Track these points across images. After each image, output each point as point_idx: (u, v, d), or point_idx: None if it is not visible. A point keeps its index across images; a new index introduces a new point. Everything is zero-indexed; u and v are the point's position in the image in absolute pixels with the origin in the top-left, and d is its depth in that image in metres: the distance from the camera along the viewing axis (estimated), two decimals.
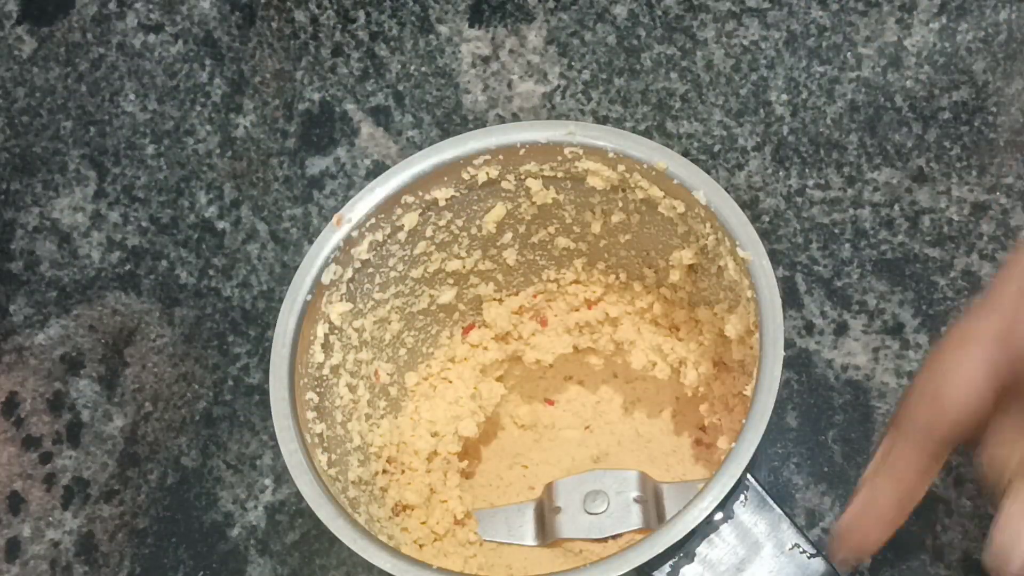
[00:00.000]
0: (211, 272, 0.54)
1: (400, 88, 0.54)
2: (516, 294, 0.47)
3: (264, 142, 0.55)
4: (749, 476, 0.34)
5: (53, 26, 0.56)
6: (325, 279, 0.39)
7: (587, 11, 0.54)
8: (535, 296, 0.47)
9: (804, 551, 0.34)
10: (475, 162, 0.40)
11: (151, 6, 0.56)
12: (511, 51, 0.54)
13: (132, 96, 0.56)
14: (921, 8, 0.51)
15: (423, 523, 0.44)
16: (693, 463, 0.47)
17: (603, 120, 0.53)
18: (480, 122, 0.54)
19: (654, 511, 0.43)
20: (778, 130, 0.52)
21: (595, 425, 0.49)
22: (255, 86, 0.55)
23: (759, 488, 0.35)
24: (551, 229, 0.44)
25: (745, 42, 0.52)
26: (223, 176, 0.55)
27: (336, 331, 0.40)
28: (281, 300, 0.53)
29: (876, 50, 0.51)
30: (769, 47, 0.52)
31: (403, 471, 0.44)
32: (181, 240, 0.54)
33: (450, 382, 0.47)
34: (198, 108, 0.55)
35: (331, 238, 0.39)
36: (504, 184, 0.41)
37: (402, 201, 0.40)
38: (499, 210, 0.42)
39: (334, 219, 0.39)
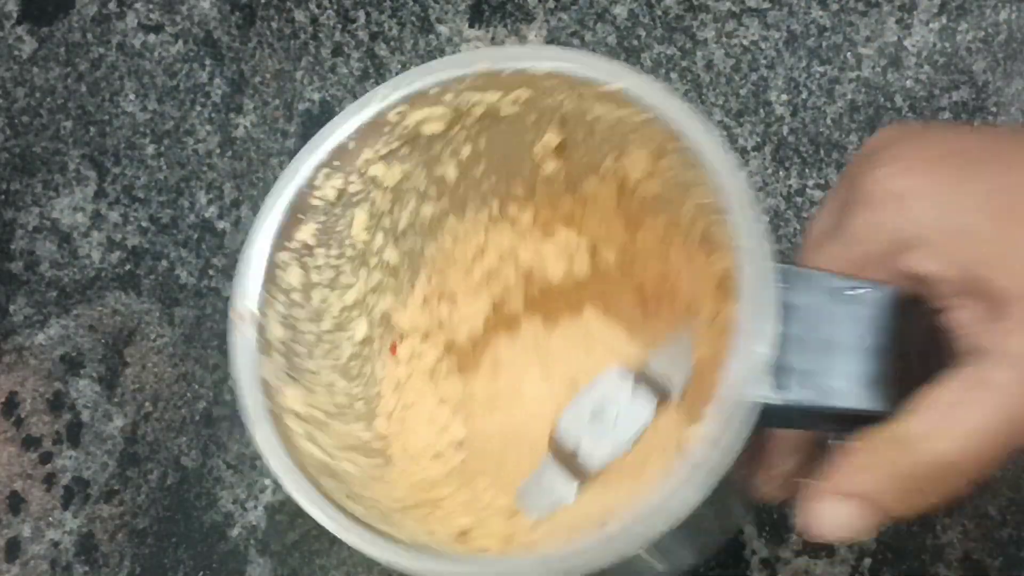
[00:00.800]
0: (211, 272, 0.54)
1: None
2: (413, 288, 0.45)
3: (264, 142, 0.55)
4: (773, 267, 0.32)
5: (53, 26, 0.56)
6: (269, 378, 0.37)
7: (587, 11, 0.54)
8: (429, 280, 0.45)
9: (854, 289, 0.32)
10: (316, 183, 0.39)
11: (151, 6, 0.56)
12: None
13: (132, 96, 0.56)
14: (921, 8, 0.51)
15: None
16: (654, 323, 0.45)
17: None
18: None
19: (655, 387, 0.42)
20: (778, 130, 0.52)
21: (542, 359, 0.46)
22: (255, 86, 0.55)
23: (782, 265, 0.32)
24: (411, 205, 0.42)
25: (745, 42, 0.52)
26: (223, 176, 0.55)
27: (304, 419, 0.39)
28: None
29: (876, 50, 0.51)
30: (769, 47, 0.52)
31: (433, 509, 0.42)
32: (181, 240, 0.54)
33: (411, 405, 0.45)
34: (198, 108, 0.55)
35: (245, 336, 0.38)
36: (351, 188, 0.40)
37: (279, 261, 0.39)
38: (360, 216, 0.41)
39: (235, 317, 0.38)
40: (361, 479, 0.39)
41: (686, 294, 0.43)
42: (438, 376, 0.46)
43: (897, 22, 0.51)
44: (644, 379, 0.42)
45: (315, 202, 0.39)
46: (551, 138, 0.40)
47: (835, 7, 0.52)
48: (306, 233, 0.39)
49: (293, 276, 0.39)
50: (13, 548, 0.51)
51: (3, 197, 0.56)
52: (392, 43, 0.55)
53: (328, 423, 0.40)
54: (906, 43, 0.51)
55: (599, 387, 0.42)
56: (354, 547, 0.34)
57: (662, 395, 0.42)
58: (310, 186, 0.39)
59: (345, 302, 0.42)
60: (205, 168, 0.55)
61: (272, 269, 0.39)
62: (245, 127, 0.55)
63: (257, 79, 0.55)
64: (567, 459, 0.42)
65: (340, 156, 0.39)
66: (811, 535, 0.30)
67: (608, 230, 0.43)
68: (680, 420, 0.42)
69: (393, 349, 0.45)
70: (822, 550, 0.47)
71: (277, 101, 0.55)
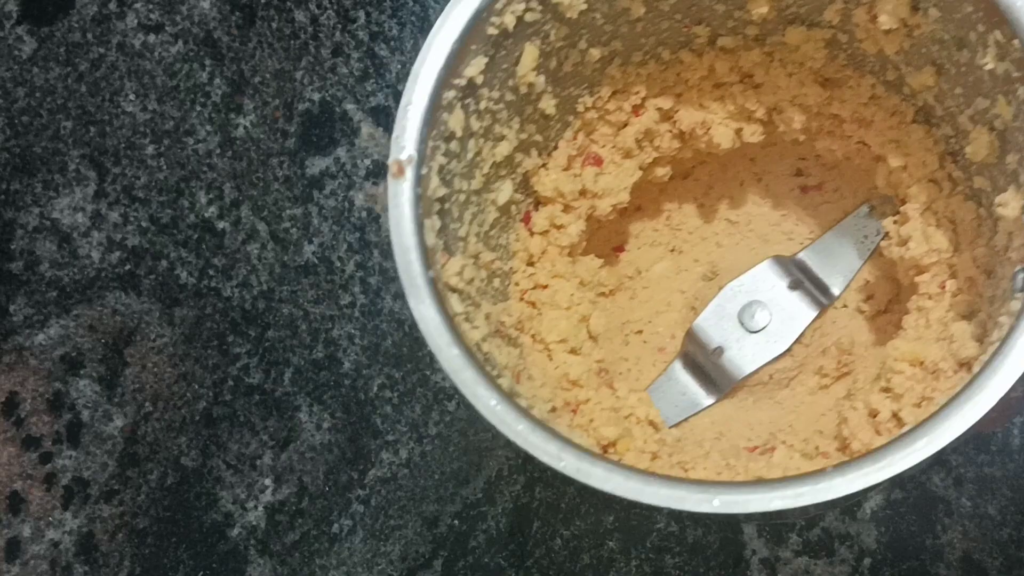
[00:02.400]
0: (211, 272, 0.54)
1: (400, 88, 0.54)
2: (556, 147, 0.40)
3: (264, 142, 0.55)
4: None
5: (53, 26, 0.56)
6: (429, 242, 0.33)
7: None
8: (575, 137, 0.41)
9: None
10: (497, 6, 0.34)
11: (151, 6, 0.56)
12: None
13: (132, 96, 0.56)
14: None
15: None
16: (813, 213, 0.41)
17: None
18: None
19: (815, 285, 0.39)
20: None
21: (680, 243, 0.42)
22: (255, 86, 0.55)
23: None
24: (582, 44, 0.38)
25: None
26: (223, 176, 0.55)
27: (462, 295, 0.35)
28: (281, 300, 0.53)
29: None
30: None
31: (577, 416, 0.38)
32: (181, 240, 0.54)
33: (545, 287, 0.40)
34: (198, 108, 0.55)
35: (404, 193, 0.33)
36: (529, 16, 0.35)
37: (443, 100, 0.34)
38: (531, 53, 0.36)
39: (393, 169, 0.33)
40: (513, 373, 0.36)
41: (868, 175, 0.39)
42: (576, 254, 0.41)
43: None
44: (801, 276, 0.38)
45: (490, 30, 0.35)
46: None
47: None
48: (474, 68, 0.35)
49: (455, 120, 0.35)
50: (13, 548, 0.51)
51: (3, 197, 0.56)
52: (392, 43, 0.55)
53: (479, 303, 0.36)
54: None
55: (748, 281, 0.38)
56: (525, 446, 0.30)
57: (819, 294, 0.38)
58: (489, 10, 0.34)
59: (496, 157, 0.38)
60: (205, 168, 0.55)
61: (435, 110, 0.34)
62: (245, 127, 0.55)
63: (257, 79, 0.55)
64: (706, 359, 0.38)
65: None
66: None
67: (799, 90, 0.39)
68: (858, 324, 0.38)
69: (527, 219, 0.40)
70: (822, 550, 0.47)
71: (277, 101, 0.55)
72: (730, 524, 0.47)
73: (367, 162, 0.54)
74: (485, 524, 0.50)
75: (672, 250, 0.43)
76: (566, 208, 0.41)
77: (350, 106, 0.55)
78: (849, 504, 0.46)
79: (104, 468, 0.51)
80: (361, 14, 0.55)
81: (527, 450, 0.31)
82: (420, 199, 0.33)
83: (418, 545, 0.50)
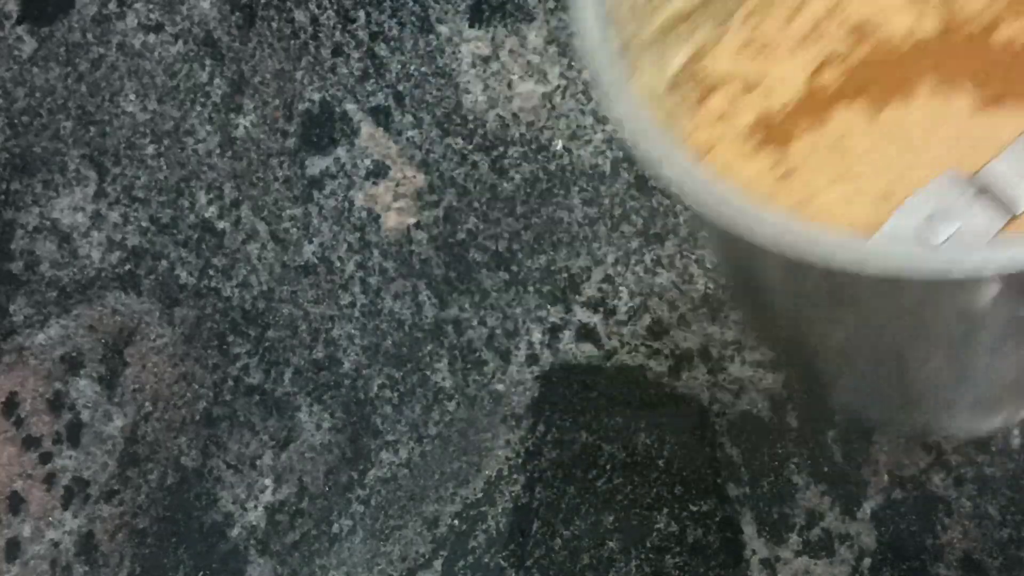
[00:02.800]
0: (211, 272, 0.54)
1: (400, 88, 0.54)
2: (729, 27, 0.38)
3: (264, 142, 0.55)
4: None
5: (53, 26, 0.56)
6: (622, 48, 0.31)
7: None
8: (745, 22, 0.38)
9: None
10: None
11: (151, 6, 0.56)
12: (511, 51, 0.54)
13: (132, 96, 0.56)
14: None
15: None
16: (995, 125, 0.38)
17: (603, 121, 0.53)
18: (480, 122, 0.54)
19: (1002, 198, 0.36)
20: None
21: (850, 165, 0.40)
22: (255, 86, 0.55)
23: None
24: None
25: None
26: (223, 176, 0.55)
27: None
28: (281, 300, 0.53)
29: None
30: None
31: None
32: (181, 240, 0.54)
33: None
34: (198, 108, 0.55)
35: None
36: None
37: None
38: None
39: None
40: None
41: None
42: (747, 150, 0.38)
43: None
44: (986, 187, 0.36)
45: None
46: None
47: None
48: None
49: None
50: (13, 548, 0.51)
51: (3, 197, 0.56)
52: (392, 43, 0.55)
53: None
54: None
55: (927, 196, 0.35)
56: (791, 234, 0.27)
57: (1007, 205, 0.36)
58: None
59: (675, 5, 0.35)
60: (205, 168, 0.55)
61: None
62: (245, 127, 0.55)
63: (257, 79, 0.55)
64: None
65: None
66: None
67: None
68: None
69: (698, 102, 0.38)
70: (822, 550, 0.47)
71: (277, 101, 0.55)
72: (730, 524, 0.47)
73: (367, 162, 0.54)
74: (485, 524, 0.50)
75: (842, 173, 0.40)
76: (738, 95, 0.38)
77: (350, 106, 0.55)
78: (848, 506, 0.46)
79: (104, 468, 0.51)
80: (361, 14, 0.55)
81: (794, 238, 0.27)
82: (605, 10, 0.30)
83: (418, 545, 0.50)
